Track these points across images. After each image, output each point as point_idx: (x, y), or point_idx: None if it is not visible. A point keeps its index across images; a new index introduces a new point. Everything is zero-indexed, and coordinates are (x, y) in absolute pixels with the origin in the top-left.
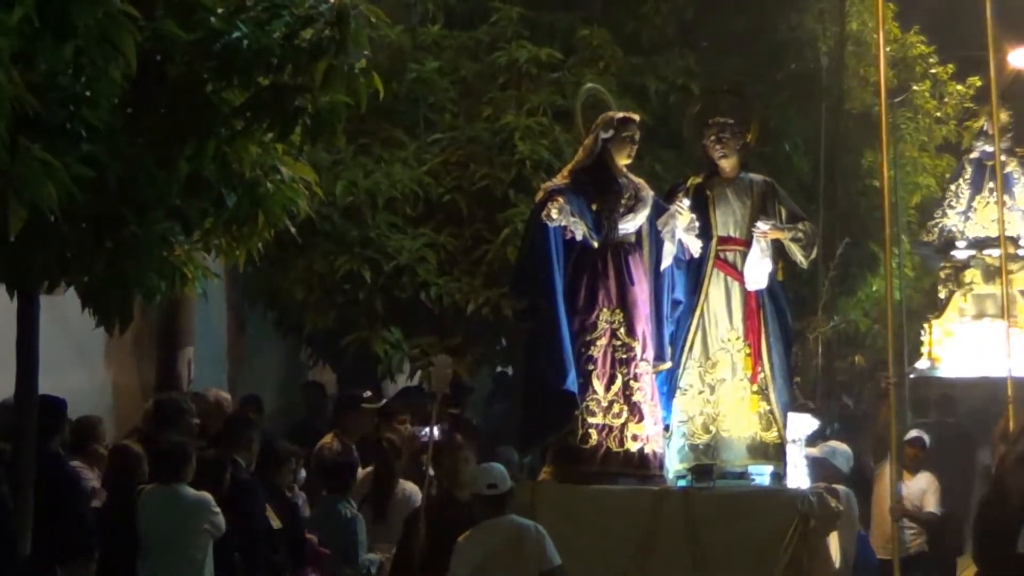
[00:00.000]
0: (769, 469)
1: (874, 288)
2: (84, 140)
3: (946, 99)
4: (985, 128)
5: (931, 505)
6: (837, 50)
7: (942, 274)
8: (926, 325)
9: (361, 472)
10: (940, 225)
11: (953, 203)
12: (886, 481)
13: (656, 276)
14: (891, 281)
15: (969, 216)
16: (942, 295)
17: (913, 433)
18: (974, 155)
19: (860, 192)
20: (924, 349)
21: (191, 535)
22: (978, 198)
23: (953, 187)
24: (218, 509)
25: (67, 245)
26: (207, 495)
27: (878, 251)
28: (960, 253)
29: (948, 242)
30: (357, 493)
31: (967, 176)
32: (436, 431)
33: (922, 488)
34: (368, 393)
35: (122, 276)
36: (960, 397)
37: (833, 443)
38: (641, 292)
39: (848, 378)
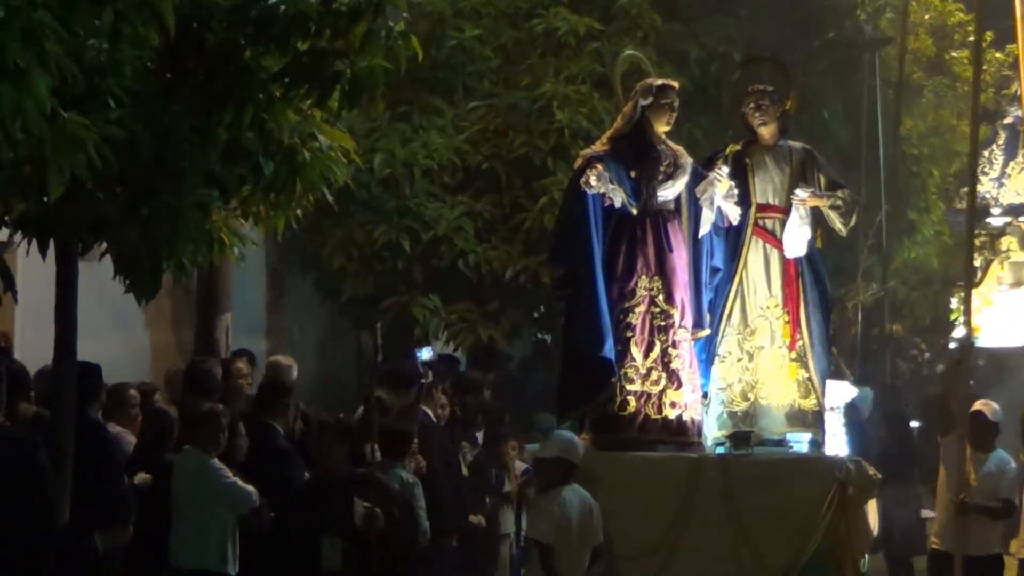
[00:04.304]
0: (807, 436)
1: (912, 255)
2: (118, 106)
3: (984, 67)
4: (1017, 93)
5: (1003, 491)
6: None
7: (977, 242)
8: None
9: None
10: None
11: (987, 169)
12: (953, 460)
13: (695, 243)
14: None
15: (1003, 183)
16: (977, 263)
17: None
18: (1007, 120)
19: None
20: (962, 318)
21: (205, 502)
22: (1012, 164)
23: (986, 153)
24: (231, 477)
25: (103, 211)
26: (219, 464)
27: (916, 218)
28: (995, 220)
29: (983, 209)
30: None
31: (1000, 142)
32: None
33: (991, 471)
34: (425, 380)
35: (153, 244)
36: (1011, 367)
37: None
38: (680, 259)
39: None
